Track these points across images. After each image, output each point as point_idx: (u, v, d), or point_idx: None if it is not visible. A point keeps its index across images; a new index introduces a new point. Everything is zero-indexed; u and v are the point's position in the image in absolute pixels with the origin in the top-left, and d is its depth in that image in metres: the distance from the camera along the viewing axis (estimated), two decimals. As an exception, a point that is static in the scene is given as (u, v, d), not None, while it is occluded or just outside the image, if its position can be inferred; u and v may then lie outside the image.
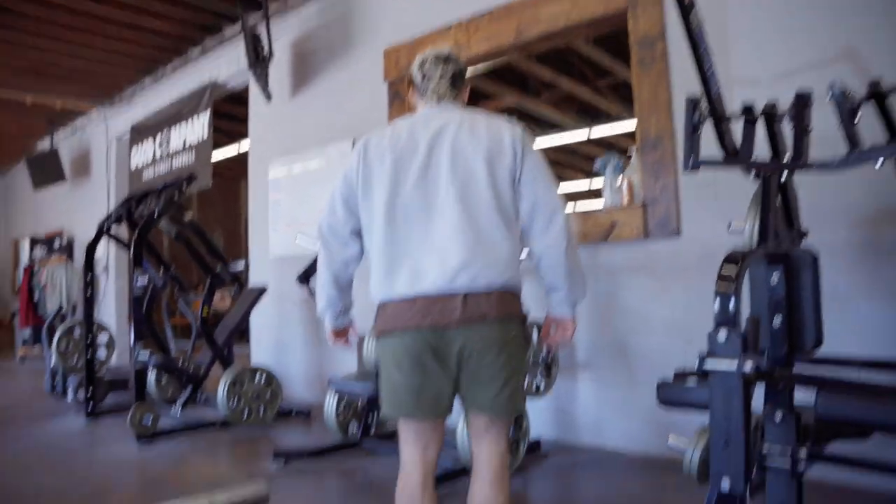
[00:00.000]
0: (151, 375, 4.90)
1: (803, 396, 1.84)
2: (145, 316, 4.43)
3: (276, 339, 5.57)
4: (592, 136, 9.15)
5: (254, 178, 5.93)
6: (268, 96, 5.19)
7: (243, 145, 8.82)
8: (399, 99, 4.62)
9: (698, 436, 2.40)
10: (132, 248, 4.11)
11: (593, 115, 8.70)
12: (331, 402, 3.65)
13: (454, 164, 1.71)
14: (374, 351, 1.90)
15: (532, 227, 1.75)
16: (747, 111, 2.47)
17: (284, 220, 5.47)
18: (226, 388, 4.07)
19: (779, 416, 1.70)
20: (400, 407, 1.73)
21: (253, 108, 5.97)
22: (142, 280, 4.08)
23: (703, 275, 3.15)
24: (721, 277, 1.50)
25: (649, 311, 3.39)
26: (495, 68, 6.15)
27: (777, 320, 1.73)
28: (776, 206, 2.32)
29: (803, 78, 2.98)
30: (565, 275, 1.76)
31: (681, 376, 1.87)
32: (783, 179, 2.40)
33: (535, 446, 3.41)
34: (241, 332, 5.24)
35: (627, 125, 8.59)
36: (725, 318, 1.46)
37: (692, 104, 2.47)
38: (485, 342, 1.65)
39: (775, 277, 1.73)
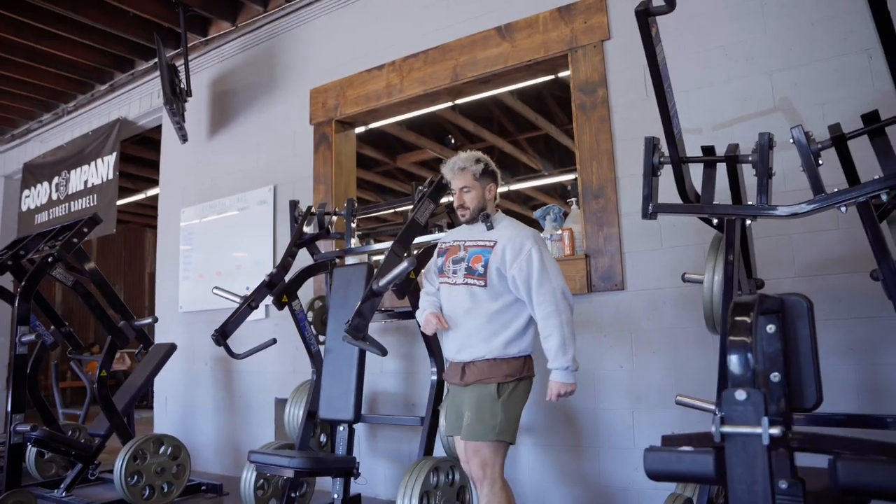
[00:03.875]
0: (31, 451, 4.21)
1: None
2: (30, 380, 3.82)
3: (183, 403, 4.99)
4: (513, 189, 9.19)
5: (164, 225, 5.43)
6: (183, 137, 4.78)
7: (150, 192, 8.22)
8: (326, 142, 4.35)
9: (670, 505, 2.18)
10: (17, 300, 3.54)
11: (513, 170, 8.73)
12: (248, 479, 3.22)
13: None
14: (517, 393, 2.31)
15: None
16: (708, 152, 2.36)
17: (197, 270, 4.99)
18: (124, 464, 3.51)
19: (784, 484, 1.48)
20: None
21: (165, 150, 5.51)
22: (27, 337, 3.49)
23: (650, 328, 3.09)
24: (735, 327, 1.28)
25: (594, 368, 3.18)
26: (418, 119, 6.05)
27: (775, 376, 1.53)
28: (739, 254, 2.20)
29: (742, 127, 3.00)
30: None
31: (672, 441, 1.63)
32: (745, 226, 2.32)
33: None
34: (143, 396, 4.65)
35: (548, 179, 8.69)
36: (744, 376, 1.24)
37: (651, 144, 2.34)
38: None
39: (771, 328, 1.54)
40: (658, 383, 3.02)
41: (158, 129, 5.63)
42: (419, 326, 2.86)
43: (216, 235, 4.91)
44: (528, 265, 2.27)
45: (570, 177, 8.50)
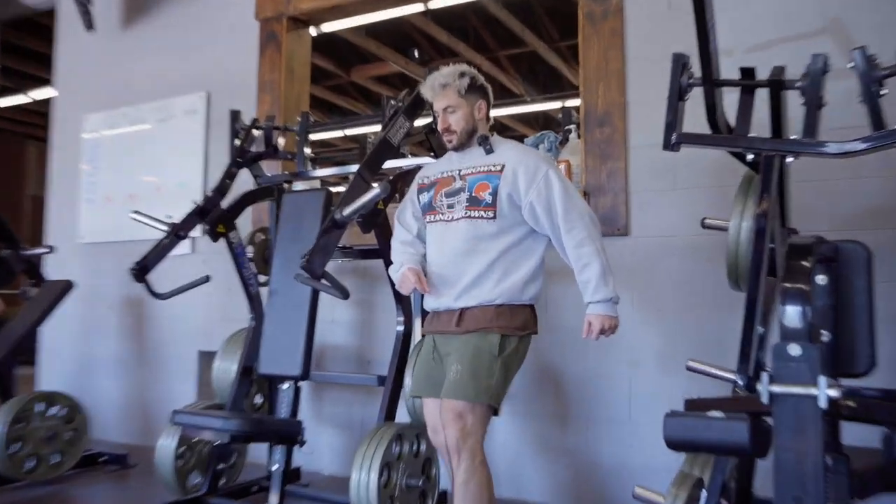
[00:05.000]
0: None
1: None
2: None
3: (78, 356, 4.89)
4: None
5: (59, 136, 5.23)
6: (88, 24, 4.57)
7: (36, 93, 7.88)
8: (274, 43, 4.22)
9: (677, 486, 2.24)
10: None
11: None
12: (168, 445, 3.17)
13: None
14: (519, 352, 2.32)
15: None
16: (747, 75, 2.37)
17: (103, 193, 4.86)
18: (5, 428, 3.42)
19: (828, 460, 1.55)
20: None
21: (62, 39, 5.27)
22: None
23: (656, 282, 3.13)
24: (792, 272, 1.30)
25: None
26: (381, 24, 5.90)
27: (825, 335, 1.59)
28: (776, 198, 2.23)
29: (782, 51, 3.01)
30: None
31: (696, 405, 1.67)
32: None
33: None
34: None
35: (531, 107, 8.69)
36: (801, 329, 1.27)
37: (680, 63, 2.32)
38: None
39: (822, 279, 1.58)
40: (662, 347, 3.10)
41: (51, 13, 5.36)
42: (391, 282, 2.84)
43: (129, 150, 4.78)
44: (548, 189, 2.26)
45: (556, 105, 8.50)
